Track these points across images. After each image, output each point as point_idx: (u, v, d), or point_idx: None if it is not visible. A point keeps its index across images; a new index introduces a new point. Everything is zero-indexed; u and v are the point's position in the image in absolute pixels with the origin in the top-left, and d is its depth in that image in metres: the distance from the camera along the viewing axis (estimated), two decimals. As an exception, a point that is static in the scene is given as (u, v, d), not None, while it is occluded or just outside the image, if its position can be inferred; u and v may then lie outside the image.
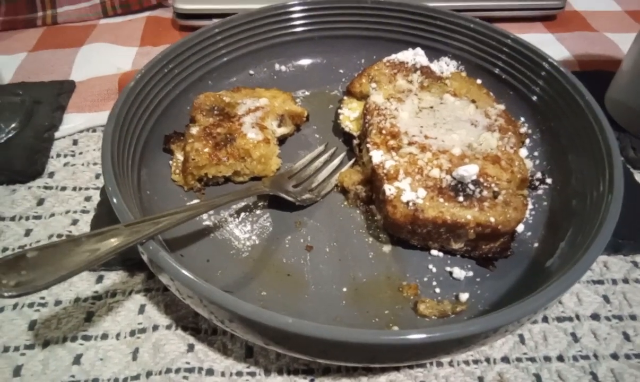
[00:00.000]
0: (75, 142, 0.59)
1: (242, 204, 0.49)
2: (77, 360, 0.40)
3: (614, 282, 0.46)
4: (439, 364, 0.40)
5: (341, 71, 0.65)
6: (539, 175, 0.50)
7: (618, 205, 0.38)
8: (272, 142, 0.51)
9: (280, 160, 0.52)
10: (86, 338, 0.41)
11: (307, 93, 0.62)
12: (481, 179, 0.44)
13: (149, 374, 0.39)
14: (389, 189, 0.43)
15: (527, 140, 0.53)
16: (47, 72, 0.69)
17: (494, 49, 0.58)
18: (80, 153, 0.58)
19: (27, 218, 0.50)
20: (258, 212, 0.49)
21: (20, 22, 0.78)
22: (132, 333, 0.42)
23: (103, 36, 0.77)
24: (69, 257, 0.31)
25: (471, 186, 0.43)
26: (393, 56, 0.59)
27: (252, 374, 0.39)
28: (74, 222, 0.50)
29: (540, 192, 0.49)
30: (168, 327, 0.42)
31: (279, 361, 0.40)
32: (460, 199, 0.43)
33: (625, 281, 0.46)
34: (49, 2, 0.79)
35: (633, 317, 0.43)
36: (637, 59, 0.57)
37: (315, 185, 0.50)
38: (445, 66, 0.59)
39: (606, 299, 0.45)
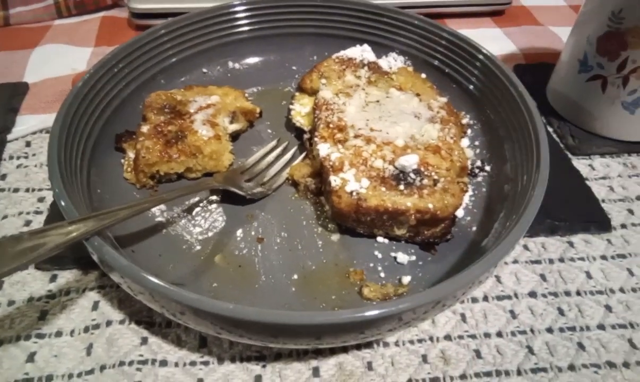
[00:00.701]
0: (28, 144, 0.59)
1: (195, 199, 0.50)
2: (30, 358, 0.40)
3: (551, 261, 0.49)
4: (385, 344, 0.42)
5: (294, 68, 0.66)
6: (478, 163, 0.52)
7: (542, 188, 0.41)
8: (223, 138, 0.52)
9: (232, 156, 0.53)
10: (40, 336, 0.42)
11: (260, 89, 0.64)
12: (422, 168, 0.46)
13: (102, 368, 0.40)
14: (334, 180, 0.45)
15: (469, 131, 0.56)
16: (0, 75, 0.68)
17: (435, 43, 0.60)
18: (34, 154, 0.58)
19: (-21, 221, 0.50)
20: (211, 207, 0.50)
21: (-29, 24, 0.77)
22: (86, 329, 0.42)
23: (58, 37, 0.77)
24: (11, 254, 0.32)
25: (412, 175, 0.46)
26: (342, 53, 0.60)
27: (206, 363, 0.41)
28: (27, 223, 0.50)
29: (480, 179, 0.52)
30: (121, 322, 0.43)
31: (232, 350, 0.41)
32: (401, 187, 0.45)
33: (561, 260, 0.49)
34: (0, 3, 0.78)
35: (568, 294, 0.46)
36: (572, 51, 0.60)
37: (267, 180, 0.52)
38: (393, 61, 0.61)
39: (543, 277, 0.47)
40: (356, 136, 0.49)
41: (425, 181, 0.45)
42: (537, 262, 0.49)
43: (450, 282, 0.34)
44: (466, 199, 0.49)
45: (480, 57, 0.55)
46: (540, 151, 0.43)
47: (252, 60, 0.66)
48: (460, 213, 0.48)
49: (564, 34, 0.80)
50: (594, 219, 0.52)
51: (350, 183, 0.45)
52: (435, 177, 0.46)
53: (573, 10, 0.88)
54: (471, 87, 0.57)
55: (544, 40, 0.79)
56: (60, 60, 0.72)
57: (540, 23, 0.84)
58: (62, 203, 0.38)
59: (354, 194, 0.44)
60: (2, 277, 0.31)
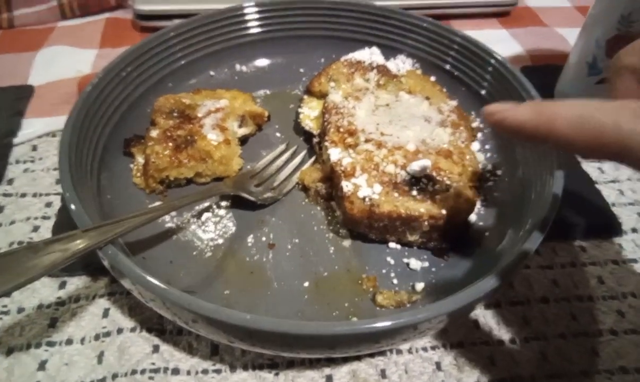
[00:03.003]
0: (34, 148, 0.58)
1: (205, 205, 0.50)
2: (42, 366, 0.40)
3: (563, 266, 0.49)
4: (399, 352, 0.42)
5: (302, 70, 0.66)
6: (489, 167, 0.52)
7: (559, 193, 0.40)
8: (233, 142, 0.52)
9: (242, 161, 0.53)
10: (50, 344, 0.41)
11: (268, 93, 0.63)
12: (434, 173, 0.46)
13: (114, 376, 0.39)
14: (346, 186, 0.45)
15: (479, 135, 0.56)
16: (4, 77, 0.68)
17: (445, 46, 0.60)
18: (40, 159, 0.57)
19: (-13, 226, 0.50)
20: (221, 212, 0.49)
21: (-25, 26, 0.77)
22: (97, 337, 0.42)
23: (62, 39, 0.76)
24: (28, 264, 0.31)
25: (424, 180, 0.45)
26: (350, 55, 0.60)
27: (218, 371, 0.40)
28: (35, 228, 0.50)
29: (491, 183, 0.51)
30: (132, 329, 0.42)
31: (244, 357, 0.41)
32: (414, 193, 0.44)
33: (573, 264, 0.49)
34: (4, 5, 0.77)
35: (580, 299, 0.46)
36: (581, 53, 0.60)
37: (277, 184, 0.51)
38: (401, 64, 0.61)
39: (555, 282, 0.47)
40: (367, 140, 0.49)
41: (438, 186, 0.45)
42: (549, 267, 0.49)
43: (468, 291, 0.34)
44: (478, 204, 0.48)
45: (492, 61, 0.55)
46: (555, 156, 0.43)
47: (260, 62, 0.66)
48: (472, 218, 0.47)
49: (570, 35, 0.80)
50: (605, 223, 0.51)
51: (363, 189, 0.44)
52: (448, 182, 0.45)
53: (579, 12, 0.88)
54: (482, 91, 0.57)
55: (550, 41, 0.79)
56: (65, 62, 0.71)
57: (546, 24, 0.84)
58: (73, 207, 0.38)
59: (367, 199, 0.44)
60: (21, 287, 0.30)
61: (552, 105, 0.30)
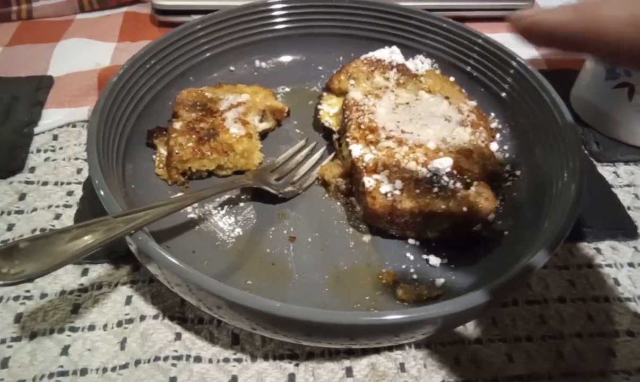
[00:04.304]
0: (55, 137, 0.59)
1: (226, 197, 0.50)
2: (64, 351, 0.40)
3: (579, 267, 0.49)
4: (417, 346, 0.42)
5: (320, 68, 0.66)
6: (508, 167, 0.53)
7: (580, 195, 0.41)
8: (254, 136, 0.52)
9: (262, 155, 0.53)
10: (73, 329, 0.42)
11: (287, 89, 0.64)
12: (455, 171, 0.46)
13: (137, 362, 0.40)
14: (368, 181, 0.45)
15: (498, 135, 0.56)
16: (23, 68, 0.68)
17: (466, 47, 0.60)
18: (61, 148, 0.58)
19: (9, 213, 0.50)
20: (241, 204, 0.50)
21: (-6, 16, 0.77)
22: (119, 324, 0.42)
23: (80, 31, 0.77)
24: (60, 247, 0.32)
25: (445, 178, 0.46)
26: (370, 54, 0.61)
27: (239, 360, 0.41)
28: (57, 216, 0.50)
29: (509, 183, 0.52)
30: (155, 317, 0.43)
31: (265, 347, 0.42)
32: (435, 190, 0.45)
33: (589, 266, 0.49)
34: (23, -4, 0.78)
35: (596, 300, 0.46)
36: (598, 58, 0.61)
37: (297, 179, 0.52)
38: (420, 64, 0.62)
39: (572, 283, 0.48)
40: (388, 138, 0.49)
41: (459, 185, 0.45)
42: (565, 267, 0.49)
43: (491, 287, 0.34)
44: (497, 203, 0.49)
45: (514, 63, 0.56)
46: (577, 159, 0.43)
47: (279, 59, 0.66)
48: (491, 217, 0.48)
49: (584, 41, 0.80)
50: (620, 226, 0.52)
51: (384, 185, 0.45)
52: (468, 180, 0.46)
53: (593, 18, 0.88)
54: (502, 93, 0.57)
55: (565, 46, 0.80)
56: (84, 54, 0.72)
57: (560, 29, 0.84)
58: (103, 193, 0.38)
59: (389, 195, 0.44)
60: (54, 270, 0.31)
61: (595, 4, 0.26)
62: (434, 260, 0.45)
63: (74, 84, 0.66)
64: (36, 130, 0.59)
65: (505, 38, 0.77)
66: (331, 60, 0.66)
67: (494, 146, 0.53)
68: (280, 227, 0.48)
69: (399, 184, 0.45)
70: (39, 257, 0.31)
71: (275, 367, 0.41)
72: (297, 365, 0.41)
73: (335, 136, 0.55)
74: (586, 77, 0.63)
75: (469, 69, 0.61)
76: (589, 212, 0.52)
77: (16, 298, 0.44)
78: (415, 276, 0.44)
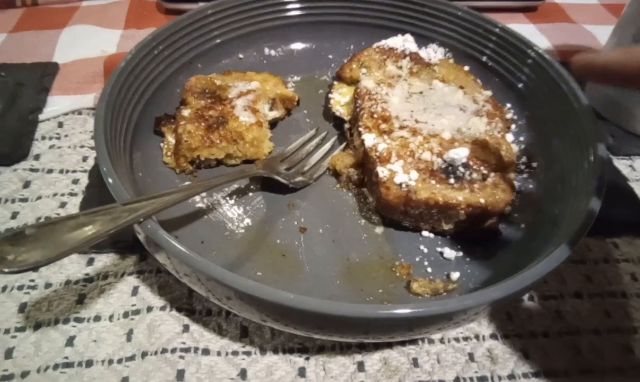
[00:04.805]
0: (60, 125, 0.58)
1: (235, 186, 0.49)
2: (70, 342, 0.39)
3: (596, 262, 0.48)
4: (431, 342, 0.41)
5: (330, 57, 0.65)
6: (524, 159, 0.51)
7: (602, 187, 0.40)
8: (264, 125, 0.51)
9: (272, 144, 0.52)
10: (79, 320, 0.41)
11: (296, 78, 0.63)
12: (470, 162, 0.45)
13: (144, 354, 0.39)
14: (382, 171, 0.44)
15: (513, 126, 0.55)
16: (29, 54, 0.67)
17: (482, 37, 0.59)
18: (66, 136, 0.57)
19: (14, 201, 0.49)
20: (251, 194, 0.49)
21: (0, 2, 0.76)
22: (126, 315, 0.41)
23: (86, 18, 0.76)
24: (68, 234, 0.31)
25: (461, 169, 0.45)
26: (383, 42, 0.59)
27: (248, 353, 0.40)
28: (62, 204, 0.49)
29: (525, 175, 0.51)
30: (162, 308, 0.42)
31: (274, 340, 0.41)
32: (451, 181, 0.44)
33: (606, 261, 0.48)
34: (28, -18, 0.77)
35: (613, 295, 0.45)
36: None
37: (308, 169, 0.51)
38: (433, 53, 0.60)
39: (588, 278, 0.46)
40: (401, 127, 0.48)
41: (475, 175, 0.44)
42: (582, 262, 0.48)
43: (511, 282, 0.33)
44: (513, 195, 0.48)
45: (532, 53, 0.54)
46: (597, 150, 0.42)
47: (289, 47, 0.65)
48: (507, 209, 0.46)
49: (598, 32, 0.79)
50: (637, 220, 0.51)
51: (399, 175, 0.44)
52: (485, 171, 0.45)
53: (606, 9, 0.87)
54: (519, 83, 0.56)
55: (578, 38, 0.78)
56: (90, 41, 0.70)
57: (573, 21, 0.83)
58: (111, 181, 0.37)
59: (404, 186, 0.43)
60: (61, 258, 0.30)
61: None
62: (449, 253, 0.44)
63: (80, 71, 0.65)
64: (41, 117, 0.58)
65: (518, 29, 0.76)
66: (342, 49, 0.65)
67: (509, 137, 0.52)
68: (291, 218, 0.47)
69: (414, 174, 0.44)
70: (46, 244, 0.30)
71: (285, 360, 0.40)
72: (307, 359, 0.40)
73: (346, 126, 0.54)
74: (603, 69, 0.62)
75: (484, 58, 0.59)
76: (606, 206, 0.50)
77: (20, 287, 0.43)
78: (429, 269, 0.43)
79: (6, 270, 0.28)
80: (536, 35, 0.78)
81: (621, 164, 0.58)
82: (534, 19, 0.83)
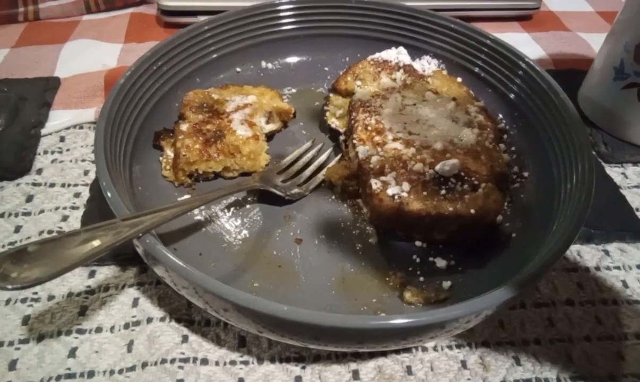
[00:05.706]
0: (62, 139, 0.59)
1: (232, 199, 0.50)
2: (72, 353, 0.40)
3: (587, 270, 0.49)
4: (424, 350, 0.42)
5: (326, 69, 0.66)
6: (516, 169, 0.52)
7: (589, 197, 0.41)
8: (260, 138, 0.52)
9: (269, 156, 0.53)
10: (81, 332, 0.42)
11: (293, 90, 0.64)
12: (462, 173, 0.46)
13: (144, 365, 0.40)
14: (375, 183, 0.45)
15: (505, 136, 0.56)
16: (31, 69, 0.69)
17: (474, 48, 0.60)
18: (68, 150, 0.58)
19: (17, 215, 0.50)
20: (248, 206, 0.50)
21: (1, 17, 0.78)
22: (127, 326, 0.42)
23: (87, 32, 0.77)
24: (69, 251, 0.32)
25: (453, 180, 0.45)
26: (377, 55, 0.60)
27: (246, 362, 0.41)
28: (64, 218, 0.50)
29: (517, 185, 0.51)
30: (162, 319, 0.43)
31: (271, 350, 0.41)
32: (443, 192, 0.45)
33: (597, 268, 0.49)
34: (30, -3, 0.79)
35: (605, 302, 0.46)
36: (607, 58, 0.60)
37: (304, 181, 0.52)
38: (427, 65, 0.61)
39: (580, 285, 0.47)
40: (395, 139, 0.49)
41: (466, 186, 0.45)
42: (574, 270, 0.49)
43: (499, 291, 0.34)
44: (505, 205, 0.48)
45: (523, 64, 0.55)
46: (585, 160, 0.43)
47: (285, 60, 0.66)
48: (499, 219, 0.47)
49: (592, 40, 0.80)
50: (629, 227, 0.51)
51: (392, 187, 0.45)
52: (476, 182, 0.46)
53: (601, 17, 0.88)
54: (510, 93, 0.57)
55: (573, 46, 0.79)
56: (91, 55, 0.72)
57: (568, 29, 0.84)
58: (110, 195, 0.38)
59: (396, 197, 0.44)
60: (63, 274, 0.31)
61: None
62: (441, 262, 0.45)
63: (81, 85, 0.66)
64: (43, 131, 0.59)
65: (513, 38, 0.77)
66: (337, 61, 0.66)
67: (501, 147, 0.52)
68: (287, 229, 0.48)
69: (406, 186, 0.45)
70: (48, 260, 0.31)
71: (282, 370, 0.41)
72: (303, 368, 0.41)
73: (341, 137, 0.55)
74: (594, 77, 0.63)
75: (476, 69, 0.60)
76: (597, 214, 0.51)
77: (24, 300, 0.44)
78: (422, 278, 0.44)
79: (9, 287, 0.29)
80: (531, 43, 0.79)
81: (613, 172, 0.58)
82: (528, 27, 0.84)
